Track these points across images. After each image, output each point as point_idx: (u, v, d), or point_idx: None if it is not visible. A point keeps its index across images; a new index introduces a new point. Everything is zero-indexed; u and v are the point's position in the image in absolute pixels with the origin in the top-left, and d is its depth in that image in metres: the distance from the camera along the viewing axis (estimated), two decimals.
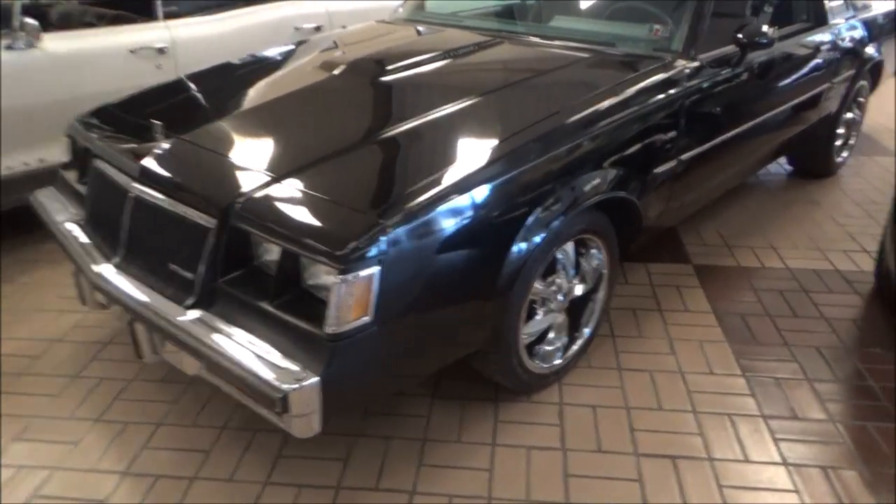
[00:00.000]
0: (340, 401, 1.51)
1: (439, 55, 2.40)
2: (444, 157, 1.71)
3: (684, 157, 2.25)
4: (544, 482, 1.80)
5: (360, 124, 1.93)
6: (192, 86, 2.40)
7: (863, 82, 3.62)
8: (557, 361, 2.13)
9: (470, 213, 1.62)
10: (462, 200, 1.60)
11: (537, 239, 1.77)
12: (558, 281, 2.05)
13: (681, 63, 2.23)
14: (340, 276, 1.41)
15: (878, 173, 3.88)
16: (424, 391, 2.15)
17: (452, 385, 2.16)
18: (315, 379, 1.42)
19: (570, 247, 2.04)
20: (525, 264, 1.77)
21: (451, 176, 1.62)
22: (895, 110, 5.11)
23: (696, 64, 2.26)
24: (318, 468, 1.86)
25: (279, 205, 1.58)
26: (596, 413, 2.05)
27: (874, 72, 3.74)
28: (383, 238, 1.46)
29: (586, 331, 2.23)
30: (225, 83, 2.43)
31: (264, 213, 1.57)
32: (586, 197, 1.89)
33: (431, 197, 1.56)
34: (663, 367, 2.25)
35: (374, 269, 1.44)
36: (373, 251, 1.44)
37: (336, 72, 2.33)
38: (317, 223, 1.51)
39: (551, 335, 2.15)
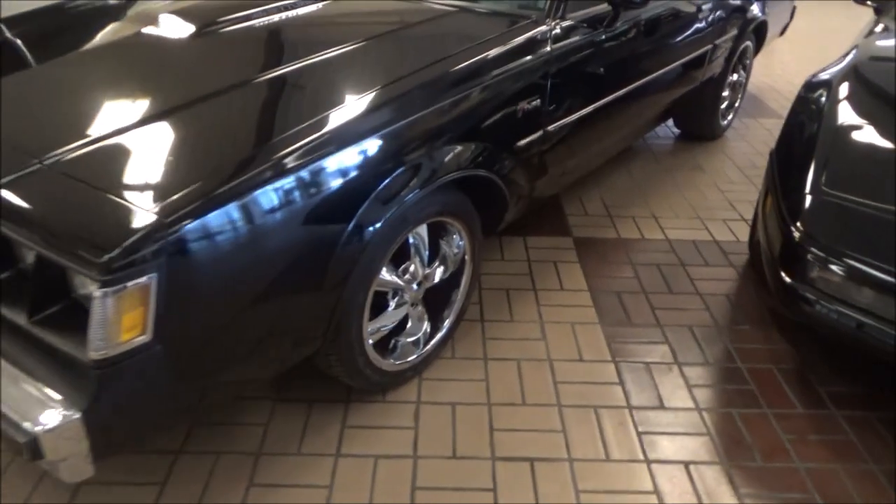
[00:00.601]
0: (118, 437, 1.25)
1: (272, 8, 2.09)
2: (261, 131, 1.44)
3: (551, 127, 2.05)
4: (389, 497, 1.62)
5: (161, 94, 1.61)
6: None
7: (747, 43, 3.55)
8: (412, 357, 1.93)
9: (289, 197, 1.35)
10: (279, 182, 1.33)
11: (377, 225, 1.54)
12: (412, 269, 1.84)
13: (547, 23, 2.01)
14: (102, 289, 1.13)
15: (762, 136, 3.86)
16: (265, 393, 1.91)
17: (300, 385, 1.93)
18: (76, 416, 1.15)
19: (423, 230, 1.82)
20: (364, 253, 1.54)
21: (266, 153, 1.35)
22: (780, 71, 5.16)
23: (565, 24, 2.05)
24: (129, 495, 1.60)
25: (35, 196, 1.26)
26: (455, 412, 1.87)
27: (759, 32, 3.68)
28: (164, 236, 1.18)
29: (447, 321, 2.03)
30: None
31: (12, 207, 1.25)
32: (436, 177, 1.66)
33: (240, 180, 1.29)
34: (532, 354, 2.10)
35: (150, 277, 1.17)
36: (148, 254, 1.16)
37: (138, 28, 1.98)
38: (77, 219, 1.21)
39: (409, 326, 1.95)
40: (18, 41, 2.02)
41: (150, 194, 1.24)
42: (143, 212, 1.19)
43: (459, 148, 1.72)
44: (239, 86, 1.62)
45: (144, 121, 1.47)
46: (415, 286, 1.87)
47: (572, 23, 2.07)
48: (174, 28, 1.94)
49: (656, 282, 2.49)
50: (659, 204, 3.04)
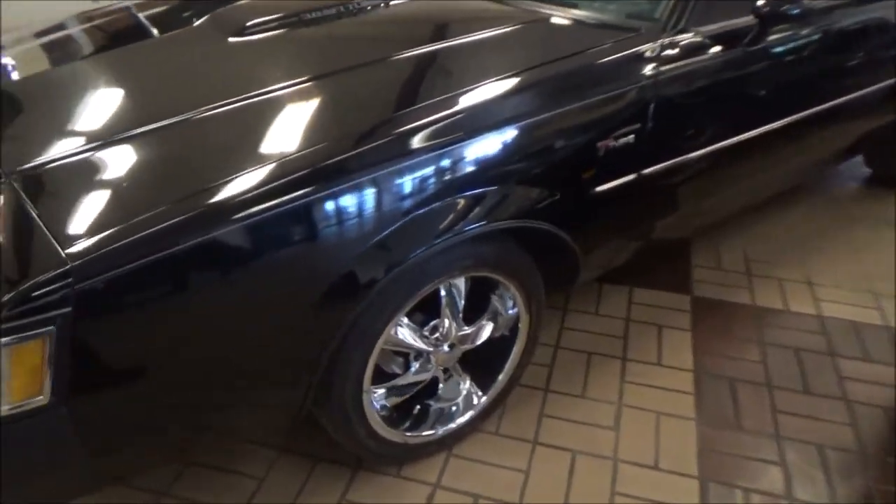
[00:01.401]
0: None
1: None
2: (243, 154, 1.21)
3: (649, 170, 1.60)
4: None
5: (118, 113, 1.43)
6: None
7: None
8: (440, 429, 1.61)
9: (256, 237, 1.11)
10: (242, 221, 1.09)
11: (379, 277, 1.25)
12: (442, 326, 1.52)
13: (658, 38, 1.57)
14: None
15: None
16: (271, 441, 1.70)
17: (310, 437, 1.70)
18: None
19: (460, 282, 1.49)
20: (362, 309, 1.26)
21: (210, 193, 1.11)
22: None
23: (684, 39, 1.59)
24: None
25: None
26: None
27: None
28: (71, 284, 0.98)
29: (491, 392, 1.69)
30: None
31: None
32: (463, 225, 1.33)
33: (189, 213, 1.07)
34: (594, 447, 1.69)
35: (47, 330, 0.98)
36: (47, 303, 0.97)
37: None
38: None
39: (442, 391, 1.64)
40: None
41: (71, 231, 1.05)
42: (56, 251, 1.01)
43: (506, 192, 1.37)
44: (238, 107, 1.40)
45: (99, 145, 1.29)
46: (446, 348, 1.55)
47: (695, 38, 1.60)
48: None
49: (789, 373, 1.93)
50: (820, 266, 2.41)
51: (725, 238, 2.56)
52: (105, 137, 1.28)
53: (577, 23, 1.70)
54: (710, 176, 1.80)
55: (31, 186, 1.17)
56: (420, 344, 1.49)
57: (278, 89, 1.41)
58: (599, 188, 1.53)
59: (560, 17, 1.73)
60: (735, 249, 2.50)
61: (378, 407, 1.50)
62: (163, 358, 1.11)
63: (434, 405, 1.64)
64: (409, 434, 1.57)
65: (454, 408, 1.66)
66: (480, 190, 1.33)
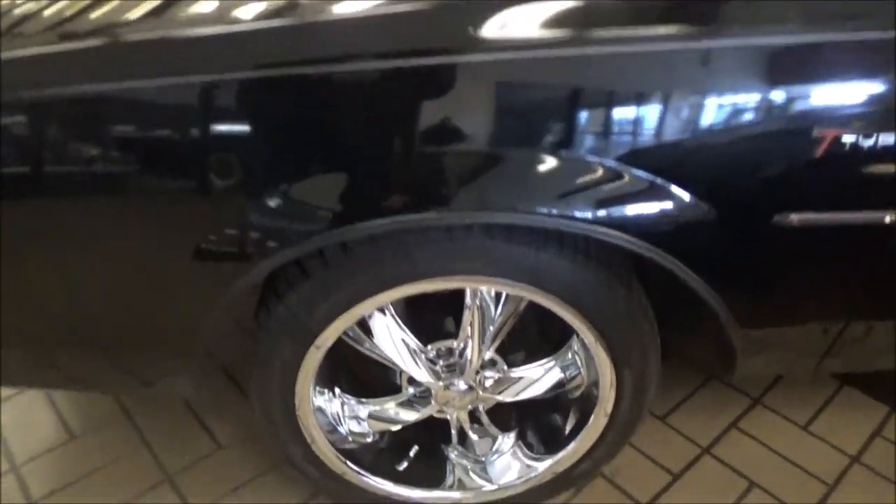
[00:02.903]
0: None
1: None
2: None
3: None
4: None
5: None
6: None
7: None
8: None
9: None
10: None
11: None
12: (455, 350, 0.98)
13: None
14: None
15: None
16: None
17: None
18: None
19: (488, 294, 0.93)
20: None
21: None
22: None
23: None
24: None
25: None
26: None
27: None
28: None
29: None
30: None
31: None
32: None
33: None
34: None
35: None
36: None
37: None
38: None
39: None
40: None
41: None
42: None
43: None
44: None
45: None
46: (460, 384, 1.00)
47: None
48: None
49: None
50: None
51: None
52: None
53: None
54: None
55: None
56: (411, 364, 0.97)
57: None
58: (797, 217, 0.79)
59: None
60: None
61: (344, 432, 1.03)
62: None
63: (453, 456, 1.11)
64: (380, 482, 1.07)
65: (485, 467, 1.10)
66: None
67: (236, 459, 1.26)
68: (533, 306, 0.90)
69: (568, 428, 1.06)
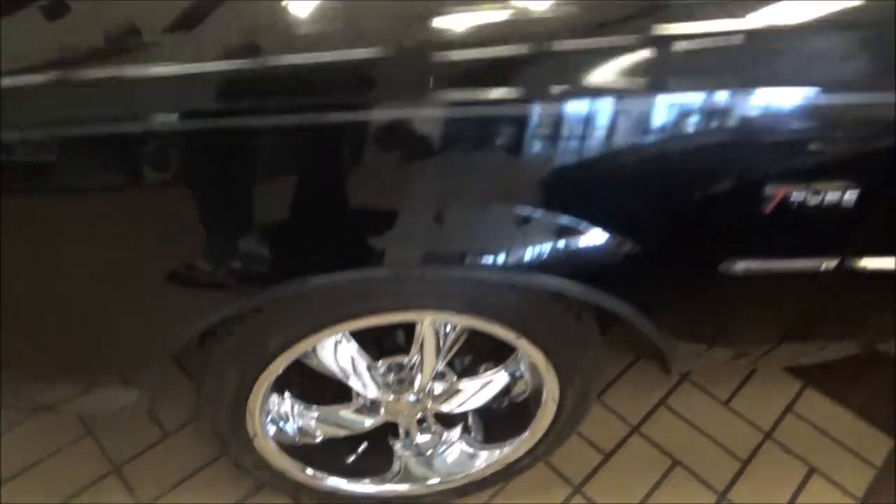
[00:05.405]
0: None
1: None
2: None
3: (864, 262, 0.83)
4: None
5: None
6: None
7: None
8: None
9: None
10: None
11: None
12: (407, 365, 1.00)
13: None
14: None
15: None
16: None
17: None
18: None
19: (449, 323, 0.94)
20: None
21: None
22: None
23: None
24: None
25: None
26: None
27: None
28: None
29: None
30: None
31: None
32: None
33: None
34: None
35: None
36: None
37: None
38: None
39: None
40: None
41: None
42: None
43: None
44: None
45: None
46: (410, 398, 1.03)
47: None
48: None
49: None
50: None
51: None
52: None
53: None
54: None
55: None
56: (359, 384, 0.98)
57: None
58: (740, 265, 0.82)
59: None
60: None
61: (291, 431, 1.05)
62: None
63: (400, 450, 1.15)
64: (318, 476, 1.10)
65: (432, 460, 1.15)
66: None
67: (184, 446, 1.27)
68: None
69: (511, 428, 1.12)
